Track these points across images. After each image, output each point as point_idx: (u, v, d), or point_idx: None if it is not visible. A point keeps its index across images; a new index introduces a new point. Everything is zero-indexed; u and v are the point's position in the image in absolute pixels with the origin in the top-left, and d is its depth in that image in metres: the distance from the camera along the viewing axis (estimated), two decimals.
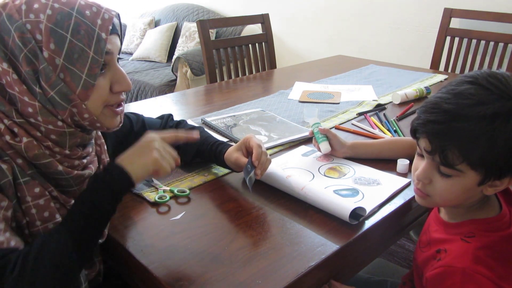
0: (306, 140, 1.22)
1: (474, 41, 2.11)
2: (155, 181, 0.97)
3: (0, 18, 0.64)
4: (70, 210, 0.68)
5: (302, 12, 3.18)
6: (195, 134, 0.82)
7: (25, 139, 0.66)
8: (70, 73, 0.66)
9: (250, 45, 2.22)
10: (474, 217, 0.73)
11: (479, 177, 0.67)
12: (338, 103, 1.56)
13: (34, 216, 0.68)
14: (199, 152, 1.02)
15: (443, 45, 2.21)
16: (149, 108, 1.54)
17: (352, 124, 1.35)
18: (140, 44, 3.96)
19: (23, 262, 0.59)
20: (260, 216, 0.86)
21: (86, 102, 0.69)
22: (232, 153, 0.95)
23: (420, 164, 0.73)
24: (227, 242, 0.78)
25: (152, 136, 0.75)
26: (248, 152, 0.94)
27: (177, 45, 3.66)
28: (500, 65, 2.04)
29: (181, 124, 1.09)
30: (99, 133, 0.84)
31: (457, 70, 2.20)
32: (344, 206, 0.82)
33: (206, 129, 1.10)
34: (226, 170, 1.03)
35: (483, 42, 2.08)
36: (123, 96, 0.76)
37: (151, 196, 0.92)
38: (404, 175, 1.01)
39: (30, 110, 0.66)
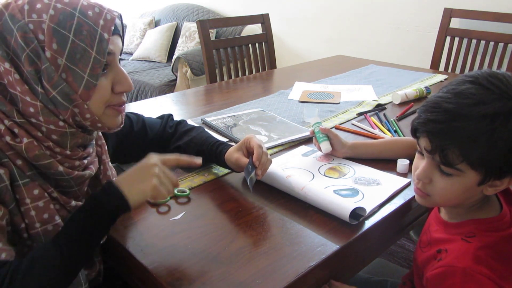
0: (306, 140, 1.22)
1: (474, 41, 2.11)
2: None
3: (2, 18, 0.64)
4: (63, 227, 0.68)
5: (302, 12, 3.18)
6: (198, 160, 0.81)
7: (25, 140, 0.66)
8: (72, 73, 0.66)
9: (250, 45, 2.22)
10: (474, 217, 0.73)
11: (479, 177, 0.67)
12: (338, 103, 1.56)
13: (34, 218, 0.68)
14: (199, 152, 1.02)
15: (443, 45, 2.21)
16: (149, 108, 1.54)
17: (352, 124, 1.35)
18: (140, 44, 3.96)
19: (11, 278, 0.60)
20: (260, 216, 0.86)
21: (88, 102, 0.69)
22: (233, 154, 0.95)
23: (420, 164, 0.73)
24: (227, 242, 0.78)
25: (153, 160, 0.73)
26: (248, 152, 0.94)
27: (177, 45, 3.66)
28: (500, 65, 2.04)
29: (181, 124, 1.09)
30: (100, 133, 0.84)
31: (457, 70, 2.20)
32: (344, 206, 0.82)
33: (206, 129, 1.10)
34: (226, 170, 1.03)
35: (483, 42, 2.08)
36: (124, 97, 0.76)
37: None
38: (404, 175, 1.01)
39: (31, 110, 0.66)
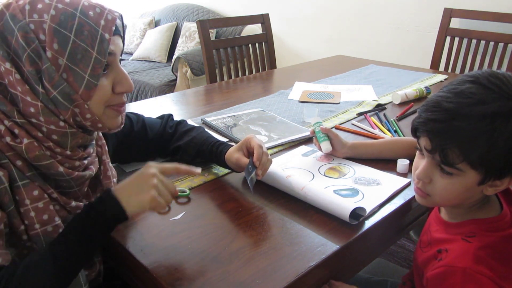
0: (306, 140, 1.22)
1: (474, 41, 2.11)
2: None
3: (3, 18, 0.64)
4: (60, 234, 0.68)
5: (302, 12, 3.18)
6: (197, 170, 0.80)
7: (25, 140, 0.66)
8: (73, 73, 0.66)
9: (250, 45, 2.22)
10: (474, 217, 0.73)
11: (479, 176, 0.67)
12: (338, 103, 1.56)
13: (33, 219, 0.68)
14: (199, 152, 1.02)
15: (443, 45, 2.21)
16: (149, 108, 1.54)
17: (352, 124, 1.35)
18: (140, 44, 3.96)
19: (6, 284, 0.61)
20: (260, 216, 0.86)
21: (88, 103, 0.69)
22: (233, 154, 0.95)
23: (420, 163, 0.73)
24: (227, 242, 0.78)
25: (151, 170, 0.72)
26: (249, 152, 0.94)
27: (177, 45, 3.66)
28: (500, 65, 2.04)
29: (181, 124, 1.09)
30: (100, 134, 0.84)
31: (457, 70, 2.20)
32: (344, 206, 0.82)
33: (206, 129, 1.10)
34: (226, 170, 1.03)
35: (483, 42, 2.08)
36: (125, 98, 0.76)
37: None
38: (404, 175, 1.01)
39: (32, 110, 0.66)
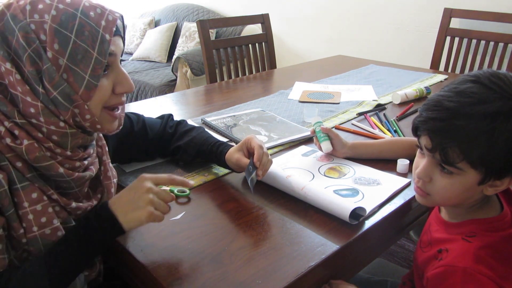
0: (306, 140, 1.22)
1: (474, 41, 2.11)
2: None
3: (4, 18, 0.64)
4: (56, 245, 0.69)
5: (302, 12, 3.18)
6: (190, 182, 0.80)
7: (25, 142, 0.65)
8: (74, 74, 0.66)
9: (250, 45, 2.22)
10: (475, 217, 0.73)
11: (479, 176, 0.67)
12: (338, 103, 1.56)
13: (31, 222, 0.68)
14: (199, 152, 1.02)
15: (443, 45, 2.21)
16: (149, 108, 1.54)
17: (352, 124, 1.35)
18: (140, 44, 3.96)
19: None
20: (260, 216, 0.86)
21: (88, 103, 0.69)
22: (233, 154, 0.95)
23: (421, 162, 0.73)
24: (227, 242, 0.78)
25: (146, 185, 0.71)
26: (249, 152, 0.94)
27: (177, 45, 3.66)
28: (500, 65, 2.04)
29: (181, 124, 1.09)
30: (101, 134, 0.84)
31: (457, 70, 2.20)
32: (344, 206, 0.82)
33: (206, 129, 1.10)
34: (226, 170, 1.03)
35: (483, 42, 2.08)
36: (124, 98, 0.76)
37: None
38: (404, 175, 1.01)
39: (32, 110, 0.66)
